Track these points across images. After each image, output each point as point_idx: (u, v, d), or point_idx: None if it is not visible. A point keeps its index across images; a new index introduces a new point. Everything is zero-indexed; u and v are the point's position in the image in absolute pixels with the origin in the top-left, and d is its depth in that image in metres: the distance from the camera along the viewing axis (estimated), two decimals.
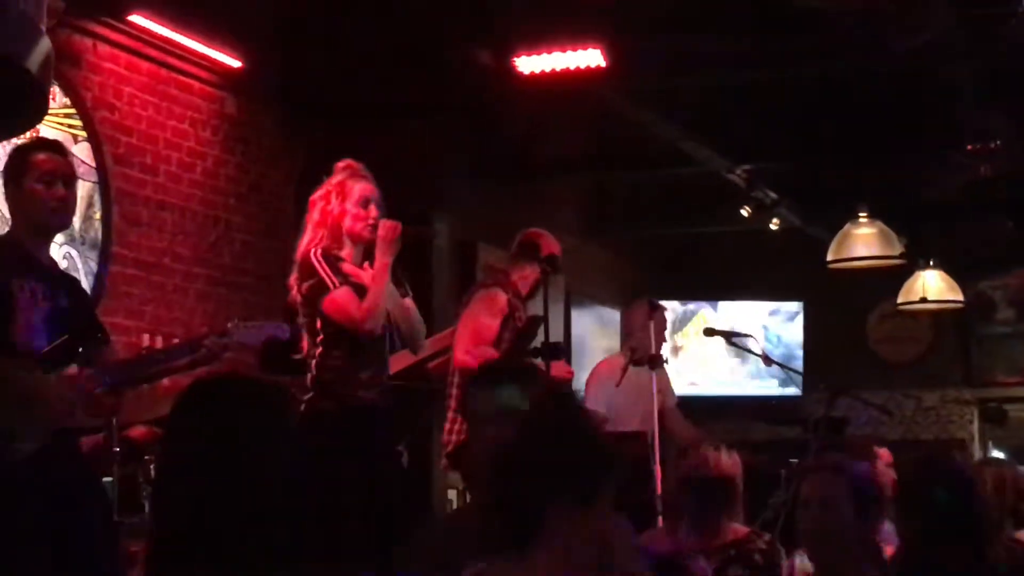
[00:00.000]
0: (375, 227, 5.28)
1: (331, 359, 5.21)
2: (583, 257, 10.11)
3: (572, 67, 7.39)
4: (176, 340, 5.78)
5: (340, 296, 5.20)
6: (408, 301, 5.40)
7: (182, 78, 7.64)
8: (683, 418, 7.63)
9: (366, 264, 5.35)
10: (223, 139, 7.95)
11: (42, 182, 4.52)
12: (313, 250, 5.27)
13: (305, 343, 5.29)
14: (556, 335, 7.80)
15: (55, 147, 4.74)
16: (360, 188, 5.34)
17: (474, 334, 6.35)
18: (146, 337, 7.02)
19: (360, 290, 5.24)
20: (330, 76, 8.22)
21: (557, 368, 6.27)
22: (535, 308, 6.44)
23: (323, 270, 5.23)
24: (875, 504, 3.97)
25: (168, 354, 4.76)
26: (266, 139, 8.26)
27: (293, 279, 5.33)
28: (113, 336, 5.14)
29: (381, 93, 8.41)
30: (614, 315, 11.81)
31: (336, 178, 5.36)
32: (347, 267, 5.30)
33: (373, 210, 5.33)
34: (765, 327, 11.90)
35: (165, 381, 5.58)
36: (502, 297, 6.41)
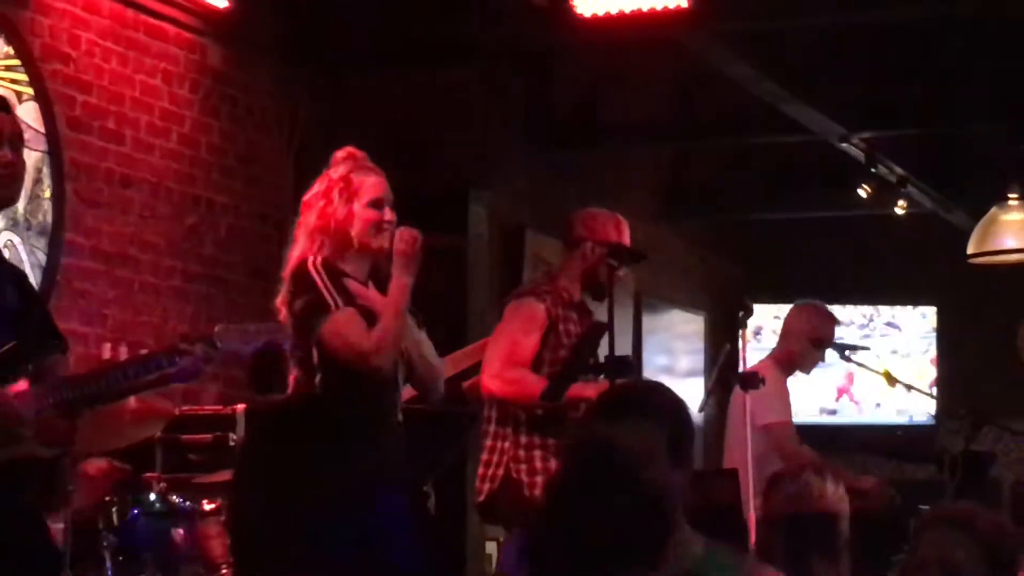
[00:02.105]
0: (391, 234, 5.19)
1: None
2: (658, 249, 10.07)
3: (646, 8, 7.37)
4: (145, 350, 5.77)
5: (344, 319, 5.08)
6: (424, 335, 5.29)
7: (154, 21, 7.65)
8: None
9: (371, 284, 5.26)
10: (204, 98, 7.95)
11: None
12: (311, 258, 5.15)
13: (294, 376, 5.17)
14: (623, 347, 7.78)
15: None
16: (371, 184, 5.22)
17: (505, 354, 6.31)
18: (107, 347, 7.03)
19: (369, 315, 5.13)
20: (339, 19, 8.22)
21: None
22: (599, 313, 6.41)
23: (323, 284, 5.10)
24: (1010, 565, 3.92)
25: (136, 367, 4.74)
26: (258, 98, 8.27)
27: (282, 297, 5.19)
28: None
29: (404, 41, 8.40)
30: (697, 321, 11.78)
31: (337, 171, 5.25)
32: (353, 285, 5.19)
33: (388, 212, 5.24)
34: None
35: (132, 402, 5.59)
36: (538, 308, 6.36)
